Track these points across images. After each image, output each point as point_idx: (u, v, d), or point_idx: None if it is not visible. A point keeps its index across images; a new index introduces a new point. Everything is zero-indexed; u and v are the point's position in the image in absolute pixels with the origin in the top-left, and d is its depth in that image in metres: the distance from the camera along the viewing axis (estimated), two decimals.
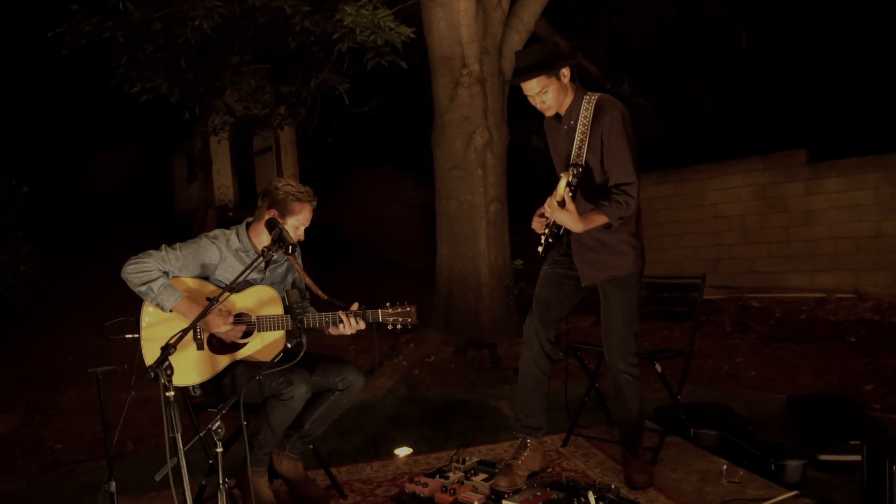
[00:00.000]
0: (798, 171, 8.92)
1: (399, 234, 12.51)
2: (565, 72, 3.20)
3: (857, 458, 3.08)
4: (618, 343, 3.33)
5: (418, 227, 12.01)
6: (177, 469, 2.41)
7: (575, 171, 3.11)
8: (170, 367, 2.31)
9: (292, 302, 2.87)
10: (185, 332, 2.48)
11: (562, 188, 3.09)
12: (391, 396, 5.91)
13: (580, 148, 3.18)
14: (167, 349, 2.34)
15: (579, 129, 3.20)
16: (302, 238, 3.27)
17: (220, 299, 2.65)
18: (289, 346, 2.77)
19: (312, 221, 3.30)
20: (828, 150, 8.73)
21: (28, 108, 11.17)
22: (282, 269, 3.35)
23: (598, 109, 3.18)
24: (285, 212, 3.20)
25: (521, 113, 7.70)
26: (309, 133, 8.87)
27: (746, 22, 9.20)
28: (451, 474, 3.40)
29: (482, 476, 3.38)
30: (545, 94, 3.18)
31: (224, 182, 11.97)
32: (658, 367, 3.74)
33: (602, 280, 3.31)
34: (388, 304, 3.23)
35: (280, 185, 3.26)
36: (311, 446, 3.39)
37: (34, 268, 7.06)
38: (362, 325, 3.19)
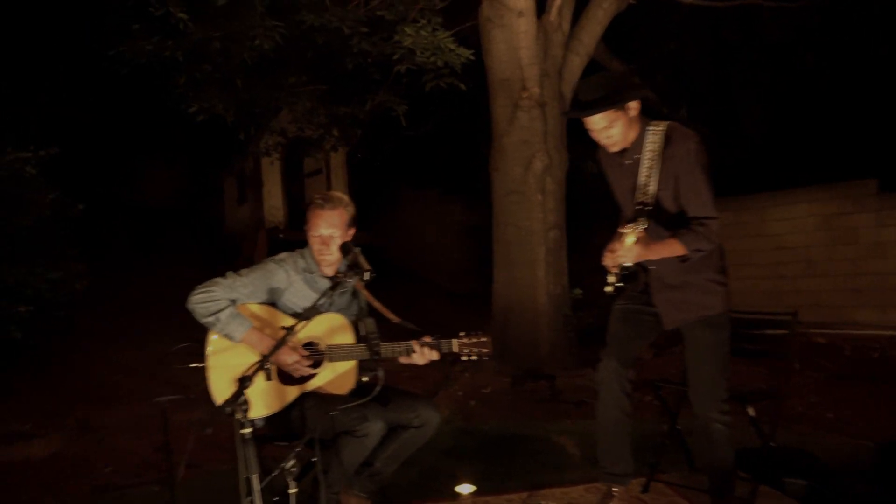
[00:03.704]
0: (868, 201, 8.56)
1: (444, 257, 12.36)
2: (633, 105, 2.92)
3: None
4: (709, 389, 3.05)
5: (464, 251, 11.86)
6: None
7: (642, 225, 2.79)
8: (246, 402, 2.13)
9: (369, 332, 2.69)
10: (261, 364, 2.31)
11: (629, 242, 2.78)
12: (446, 428, 5.66)
13: (646, 185, 2.93)
14: (244, 382, 2.16)
15: (645, 163, 2.93)
16: (327, 247, 3.01)
17: (297, 328, 2.47)
18: (364, 379, 2.59)
19: (355, 241, 3.06)
20: None
21: (84, 123, 11.34)
22: (347, 295, 3.18)
23: (669, 140, 2.91)
24: (308, 225, 3.07)
25: (578, 138, 7.54)
26: (361, 156, 8.81)
27: (812, 45, 8.90)
28: None
29: None
30: (611, 129, 2.92)
31: (274, 203, 11.96)
32: (751, 411, 3.46)
33: (690, 321, 3.04)
34: (462, 334, 3.04)
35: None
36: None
37: (87, 285, 7.02)
38: (436, 356, 3.00)
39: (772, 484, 3.65)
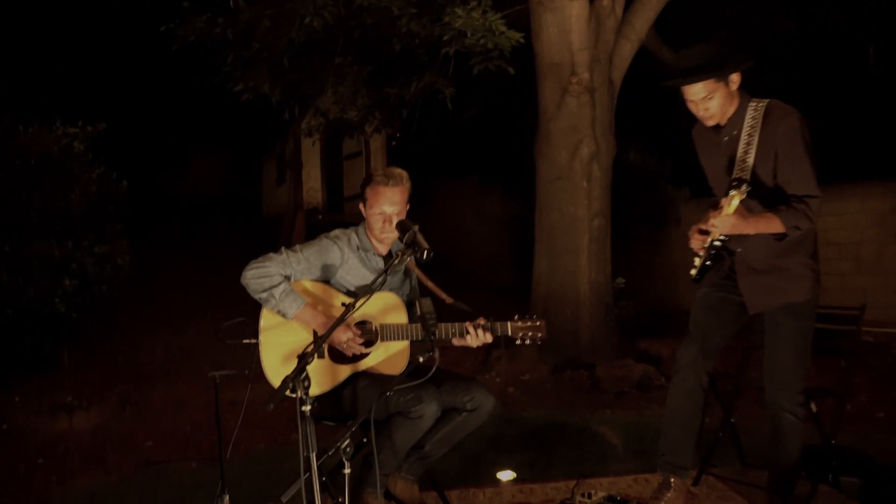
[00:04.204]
0: None
1: (482, 248, 12.24)
2: (735, 77, 2.82)
3: None
4: (785, 378, 2.95)
5: (502, 241, 11.73)
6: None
7: (747, 188, 2.68)
8: (307, 378, 2.08)
9: (425, 312, 2.61)
10: (321, 340, 2.26)
11: (733, 206, 2.68)
12: None
13: (744, 161, 2.82)
14: (305, 359, 2.11)
15: (744, 138, 2.83)
16: (390, 225, 2.97)
17: (357, 305, 2.41)
18: (420, 359, 2.53)
19: None
20: None
21: (130, 103, 11.44)
22: (400, 274, 3.11)
23: (769, 116, 2.81)
24: (367, 203, 3.00)
25: (622, 127, 7.39)
26: (403, 138, 8.73)
27: (871, 35, 8.60)
28: None
29: None
30: (710, 100, 2.81)
31: (313, 185, 11.96)
32: (813, 407, 3.34)
33: (774, 306, 2.93)
34: (516, 317, 2.97)
35: (364, 176, 3.05)
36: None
37: (131, 261, 7.07)
38: (489, 339, 2.94)
39: (829, 483, 3.54)
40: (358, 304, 2.41)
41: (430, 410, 2.69)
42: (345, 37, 6.77)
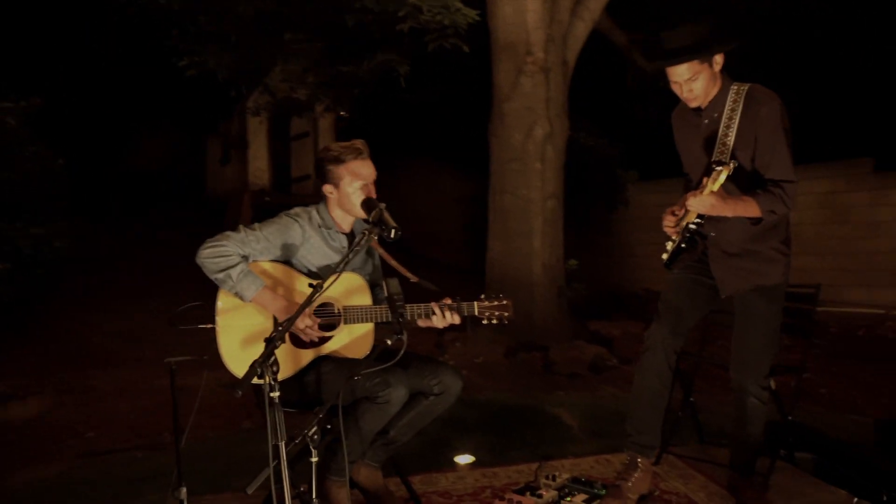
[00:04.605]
0: (863, 179, 8.54)
1: (436, 228, 12.15)
2: (718, 59, 2.80)
3: None
4: (753, 361, 2.97)
5: (456, 222, 11.67)
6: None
7: (735, 164, 2.67)
8: (276, 363, 1.98)
9: (393, 293, 2.53)
10: (287, 325, 2.16)
11: (719, 183, 2.65)
12: None
13: (724, 143, 2.81)
14: (272, 343, 2.00)
15: (724, 121, 2.82)
16: (373, 196, 2.86)
17: (325, 286, 2.30)
18: (388, 342, 2.44)
19: None
20: None
21: (70, 79, 10.91)
22: (362, 253, 3.01)
23: (750, 100, 2.81)
24: (341, 182, 2.87)
25: (570, 108, 7.37)
26: (353, 117, 8.53)
27: (814, 22, 8.79)
28: (543, 492, 3.07)
29: (582, 496, 3.04)
30: (695, 81, 2.79)
31: (260, 165, 11.65)
32: (772, 384, 3.38)
33: (746, 289, 2.94)
34: (482, 297, 2.93)
35: (321, 154, 2.93)
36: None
37: (70, 243, 6.76)
38: (457, 320, 2.87)
39: (786, 458, 3.61)
40: (326, 286, 2.31)
41: (397, 395, 2.60)
42: (296, 12, 6.56)
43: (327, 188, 2.92)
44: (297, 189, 12.38)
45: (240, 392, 2.00)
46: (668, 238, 2.96)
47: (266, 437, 2.02)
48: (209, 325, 2.72)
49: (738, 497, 3.10)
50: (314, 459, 2.18)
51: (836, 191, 8.69)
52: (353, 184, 2.86)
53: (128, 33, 7.07)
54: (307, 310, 2.65)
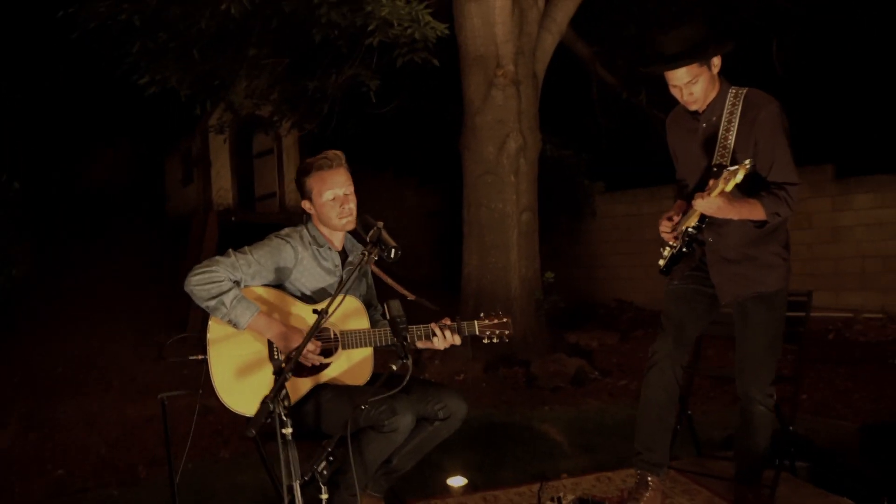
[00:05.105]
0: (825, 186, 8.68)
1: (403, 244, 12.00)
2: (716, 61, 2.77)
3: None
4: (756, 369, 2.91)
5: (418, 235, 11.57)
6: None
7: (751, 164, 2.55)
8: (287, 397, 1.85)
9: (395, 315, 2.41)
10: (298, 351, 2.03)
11: (732, 185, 2.55)
12: None
13: (725, 146, 2.77)
14: (282, 375, 1.88)
15: (724, 125, 2.79)
16: (348, 205, 2.79)
17: (331, 309, 2.18)
18: (393, 367, 2.33)
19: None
20: (856, 165, 8.49)
21: (22, 97, 10.50)
22: (356, 273, 2.89)
23: (749, 103, 2.78)
24: (312, 193, 2.78)
25: (543, 120, 7.36)
26: (316, 132, 8.34)
27: (776, 31, 8.94)
28: None
29: None
30: (694, 84, 2.75)
31: (223, 185, 11.38)
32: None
33: (745, 296, 2.89)
34: (482, 315, 2.85)
35: (298, 169, 2.86)
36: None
37: (27, 271, 6.47)
38: (457, 340, 2.78)
39: (787, 468, 3.58)
40: (331, 311, 2.18)
41: (404, 423, 2.48)
42: (261, 26, 6.40)
43: (305, 203, 2.83)
44: (261, 208, 12.17)
45: (253, 431, 1.86)
46: (665, 244, 2.91)
47: (246, 467, 1.89)
48: (200, 357, 2.56)
49: None
50: (324, 496, 2.04)
51: (799, 198, 8.82)
52: (323, 194, 2.75)
53: (84, 49, 6.80)
54: (302, 333, 2.54)
